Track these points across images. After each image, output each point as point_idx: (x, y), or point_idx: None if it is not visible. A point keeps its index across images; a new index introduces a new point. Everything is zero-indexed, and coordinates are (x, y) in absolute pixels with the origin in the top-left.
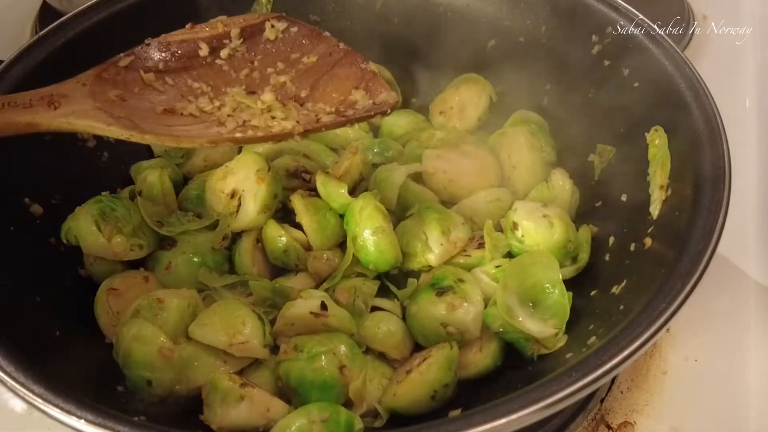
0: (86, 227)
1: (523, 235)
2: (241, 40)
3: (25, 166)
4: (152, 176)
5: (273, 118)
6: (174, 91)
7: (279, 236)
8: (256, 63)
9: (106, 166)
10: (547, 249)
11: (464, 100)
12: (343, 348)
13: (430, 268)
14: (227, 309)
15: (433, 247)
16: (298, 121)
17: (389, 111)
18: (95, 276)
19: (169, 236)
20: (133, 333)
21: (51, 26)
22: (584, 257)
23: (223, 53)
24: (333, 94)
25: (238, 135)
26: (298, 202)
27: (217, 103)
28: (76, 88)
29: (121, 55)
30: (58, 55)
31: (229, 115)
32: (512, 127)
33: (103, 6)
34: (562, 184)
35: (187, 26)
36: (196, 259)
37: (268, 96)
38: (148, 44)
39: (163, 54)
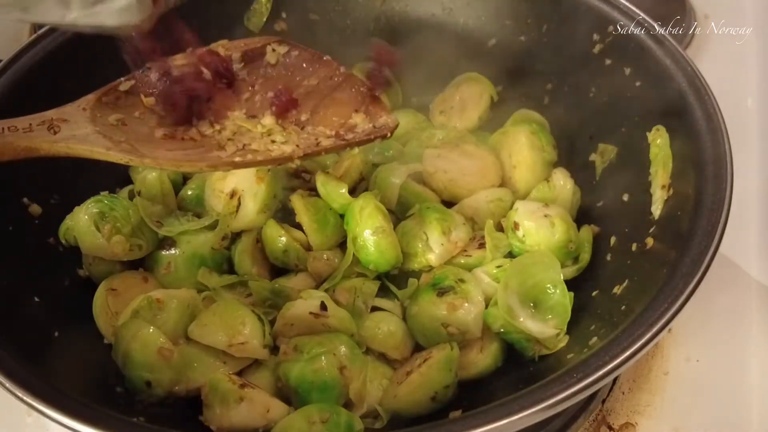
0: (85, 227)
1: (524, 235)
2: (242, 63)
3: (23, 165)
4: (151, 176)
5: (273, 141)
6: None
7: (279, 236)
8: (257, 87)
9: (105, 166)
10: (548, 249)
11: (465, 99)
12: (343, 349)
13: (430, 268)
14: (227, 309)
15: (433, 247)
16: (297, 145)
17: (389, 135)
18: (94, 276)
19: (169, 236)
20: (132, 333)
21: (48, 26)
22: (585, 257)
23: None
24: (333, 117)
25: (237, 159)
26: (298, 202)
27: (217, 127)
28: (77, 113)
29: (122, 79)
30: (56, 54)
31: (229, 139)
32: (513, 126)
33: None
34: (563, 183)
35: (188, 50)
36: (195, 260)
37: (268, 120)
38: (149, 68)
39: (163, 80)
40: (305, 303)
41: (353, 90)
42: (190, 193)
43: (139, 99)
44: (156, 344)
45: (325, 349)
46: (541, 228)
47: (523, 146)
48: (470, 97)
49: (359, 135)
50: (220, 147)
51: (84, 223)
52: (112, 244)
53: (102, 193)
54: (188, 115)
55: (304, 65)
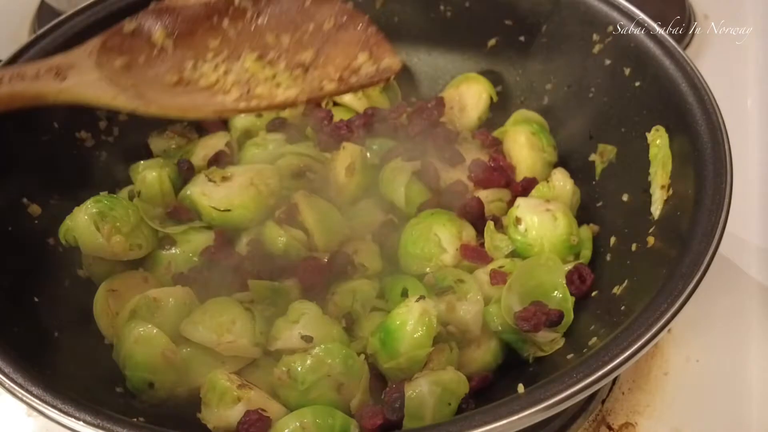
0: (85, 227)
1: (526, 230)
2: (251, 2)
3: (22, 165)
4: (151, 176)
5: (278, 85)
6: (179, 58)
7: (278, 236)
8: (261, 25)
9: (105, 166)
10: (551, 243)
11: (464, 99)
12: (338, 365)
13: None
14: (219, 307)
15: (447, 248)
16: (302, 90)
17: (392, 77)
18: (94, 276)
19: (169, 236)
20: (135, 335)
21: (49, 25)
22: (587, 254)
23: (229, 15)
24: (337, 59)
25: (242, 105)
26: (301, 202)
27: (222, 70)
28: (83, 58)
29: (126, 20)
30: (56, 53)
31: (233, 83)
32: (513, 126)
33: (101, 5)
34: (563, 184)
35: None
36: (195, 259)
37: (274, 62)
38: (152, 9)
39: (168, 19)
40: (290, 333)
41: (357, 29)
42: (189, 193)
43: (144, 42)
44: (159, 346)
45: (318, 376)
46: (544, 221)
47: (523, 146)
48: (470, 97)
49: (362, 78)
50: (224, 91)
51: (84, 224)
52: (112, 244)
53: (102, 193)
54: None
55: (307, 4)
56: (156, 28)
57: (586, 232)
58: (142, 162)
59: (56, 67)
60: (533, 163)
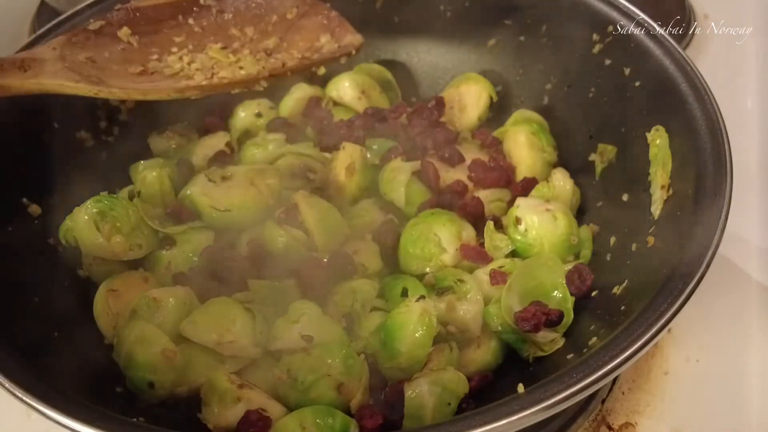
0: (85, 227)
1: (526, 230)
2: None
3: (23, 166)
4: (151, 176)
5: (240, 68)
6: (144, 52)
7: (278, 236)
8: (226, 20)
9: (105, 166)
10: (551, 242)
11: (464, 99)
12: (338, 364)
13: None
14: (219, 307)
15: (447, 248)
16: (263, 67)
17: (353, 52)
18: (94, 276)
19: (169, 236)
20: (135, 334)
21: (49, 25)
22: (587, 254)
23: (194, 13)
24: (300, 43)
25: (204, 83)
26: (302, 202)
27: (186, 60)
28: (46, 52)
29: (91, 20)
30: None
31: (197, 70)
32: (513, 126)
33: (100, 5)
34: (563, 184)
35: None
36: (195, 259)
37: (237, 50)
38: (118, 9)
39: (134, 18)
40: (290, 333)
41: (319, 16)
42: (189, 192)
43: (110, 39)
44: (159, 345)
45: (317, 375)
46: (544, 221)
47: (523, 146)
48: (470, 97)
49: (324, 54)
50: (188, 77)
51: (84, 224)
52: (112, 244)
53: (102, 193)
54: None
55: None
56: (121, 27)
57: (586, 232)
58: (142, 162)
59: (20, 60)
60: (533, 163)
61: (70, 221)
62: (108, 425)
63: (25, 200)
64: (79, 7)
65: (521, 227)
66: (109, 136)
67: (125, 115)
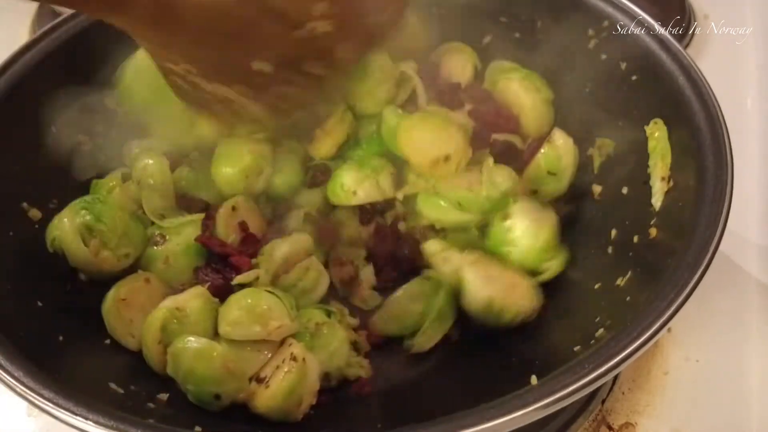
0: (72, 241)
1: (509, 228)
2: None
3: (22, 170)
4: (152, 164)
5: None
6: None
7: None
8: None
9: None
10: (522, 251)
11: (449, 69)
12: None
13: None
14: (245, 301)
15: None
16: None
17: None
18: (95, 279)
19: (158, 231)
20: (192, 352)
21: (49, 25)
22: (548, 276)
23: None
24: None
25: None
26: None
27: None
28: None
29: None
30: (56, 54)
31: None
32: (502, 75)
33: None
34: (563, 142)
35: None
36: (191, 248)
37: None
38: None
39: None
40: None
41: None
42: (186, 173)
43: None
44: (219, 358)
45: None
46: (529, 230)
47: (518, 92)
48: (454, 67)
49: None
50: None
51: (70, 237)
52: (99, 259)
53: (94, 180)
54: None
55: None
56: None
57: (564, 254)
58: (135, 141)
59: None
60: (534, 105)
61: (56, 230)
62: (122, 426)
63: (24, 205)
64: None
65: (507, 223)
66: (107, 138)
67: (124, 115)
